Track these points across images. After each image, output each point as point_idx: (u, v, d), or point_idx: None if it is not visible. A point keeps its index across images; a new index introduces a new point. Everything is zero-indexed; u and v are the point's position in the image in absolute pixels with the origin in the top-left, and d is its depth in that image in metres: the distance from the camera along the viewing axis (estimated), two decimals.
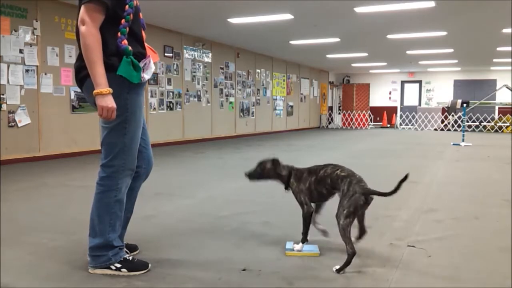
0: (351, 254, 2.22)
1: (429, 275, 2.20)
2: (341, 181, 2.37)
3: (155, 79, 9.04)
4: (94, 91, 2.02)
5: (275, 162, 2.60)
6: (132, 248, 2.49)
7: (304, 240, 2.49)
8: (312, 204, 2.53)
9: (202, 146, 9.43)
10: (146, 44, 2.31)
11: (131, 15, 2.14)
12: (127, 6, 2.12)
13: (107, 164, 2.16)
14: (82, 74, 2.14)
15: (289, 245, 2.56)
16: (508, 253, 2.52)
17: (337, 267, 2.23)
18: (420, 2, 6.95)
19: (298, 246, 2.50)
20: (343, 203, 2.30)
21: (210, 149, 8.88)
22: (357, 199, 2.30)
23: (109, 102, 2.03)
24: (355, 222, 2.39)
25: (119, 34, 2.10)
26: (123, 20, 2.11)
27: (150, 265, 2.25)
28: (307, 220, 2.47)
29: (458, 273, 2.24)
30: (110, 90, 2.03)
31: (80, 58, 2.13)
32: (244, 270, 2.24)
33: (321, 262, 2.37)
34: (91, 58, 2.01)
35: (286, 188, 2.59)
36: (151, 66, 2.25)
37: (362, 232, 2.50)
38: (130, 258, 2.25)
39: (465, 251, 2.60)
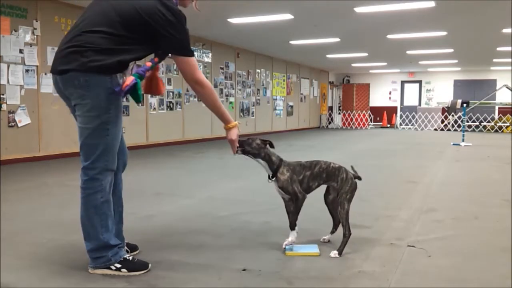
0: (349, 236, 2.49)
1: (429, 275, 2.20)
2: (338, 172, 2.56)
3: None
4: (227, 126, 2.41)
5: (267, 141, 2.56)
6: (132, 248, 2.49)
7: (294, 226, 2.50)
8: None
9: (202, 146, 9.43)
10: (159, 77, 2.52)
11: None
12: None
13: (89, 166, 2.13)
14: (70, 66, 2.07)
15: (289, 245, 2.56)
16: (508, 253, 2.52)
17: (335, 251, 2.45)
18: (420, 2, 6.95)
19: (292, 237, 2.49)
20: (345, 189, 2.52)
21: (210, 149, 8.88)
22: (355, 184, 2.57)
23: (235, 134, 2.45)
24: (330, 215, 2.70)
25: (148, 63, 2.26)
26: (156, 58, 2.28)
27: (150, 265, 2.25)
28: (300, 207, 2.50)
29: (458, 273, 2.24)
30: (237, 123, 2.44)
31: (75, 44, 2.07)
32: (244, 270, 2.24)
33: (321, 262, 2.37)
34: (218, 105, 2.35)
35: (273, 176, 2.50)
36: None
37: (337, 222, 2.70)
38: (130, 258, 2.24)
39: (465, 251, 2.60)
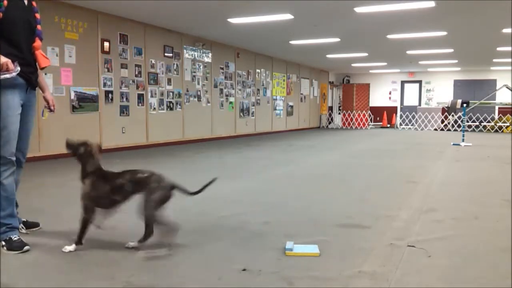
0: (149, 234, 2.55)
1: (429, 275, 2.20)
2: (148, 181, 2.52)
3: (155, 79, 9.04)
4: None
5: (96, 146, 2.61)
6: (32, 225, 2.93)
7: (79, 242, 2.51)
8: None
9: (202, 146, 9.43)
10: (39, 51, 2.71)
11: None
12: None
13: None
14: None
15: (289, 245, 2.56)
16: (508, 253, 2.52)
17: (131, 243, 2.55)
18: (420, 2, 6.95)
19: (70, 247, 2.50)
20: (154, 197, 2.47)
21: (210, 149, 8.88)
22: (168, 195, 2.53)
23: None
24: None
25: None
26: None
27: (26, 247, 2.50)
28: (84, 225, 2.51)
29: (458, 273, 2.24)
30: None
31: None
32: (244, 270, 2.24)
33: (321, 262, 2.37)
34: None
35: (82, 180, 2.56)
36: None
37: (148, 233, 2.58)
38: (15, 238, 2.55)
39: (465, 251, 2.60)
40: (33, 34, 2.68)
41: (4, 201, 2.59)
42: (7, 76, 2.46)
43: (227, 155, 7.75)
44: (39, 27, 2.71)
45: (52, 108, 3.04)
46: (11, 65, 2.46)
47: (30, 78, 2.70)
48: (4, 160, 2.59)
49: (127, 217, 2.89)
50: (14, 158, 2.66)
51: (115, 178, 2.55)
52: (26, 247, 2.52)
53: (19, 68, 2.51)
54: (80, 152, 2.57)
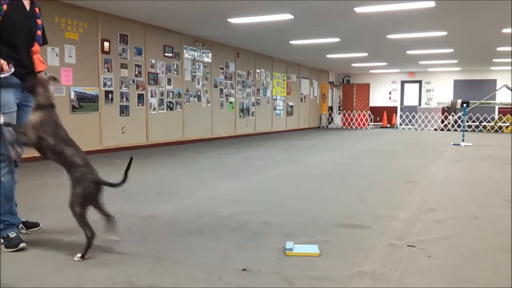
0: (92, 237, 2.39)
1: (429, 275, 2.20)
2: (73, 169, 2.51)
3: (155, 79, 9.04)
4: None
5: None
6: (32, 225, 2.94)
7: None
8: None
9: (202, 146, 9.43)
10: (37, 56, 2.77)
11: None
12: None
13: None
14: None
15: (289, 245, 2.56)
16: (508, 253, 2.52)
17: (79, 255, 2.36)
18: (420, 2, 6.95)
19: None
20: (76, 191, 2.45)
21: (210, 149, 8.88)
22: (91, 189, 2.46)
23: None
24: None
25: None
26: None
27: (21, 245, 2.52)
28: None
29: (458, 273, 2.24)
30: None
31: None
32: (244, 270, 2.24)
33: (321, 262, 2.37)
34: None
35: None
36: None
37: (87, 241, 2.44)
38: (12, 235, 2.57)
39: (465, 251, 2.60)
40: (33, 39, 2.77)
41: (2, 198, 2.63)
42: (0, 76, 2.55)
43: (227, 155, 7.75)
44: (39, 32, 2.80)
45: None
46: (5, 66, 2.56)
47: (25, 79, 2.75)
48: (2, 157, 2.63)
49: (127, 217, 2.90)
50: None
51: (60, 141, 2.52)
52: (22, 244, 2.54)
53: (13, 69, 2.61)
54: (34, 83, 2.59)
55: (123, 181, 2.48)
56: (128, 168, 2.45)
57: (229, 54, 11.80)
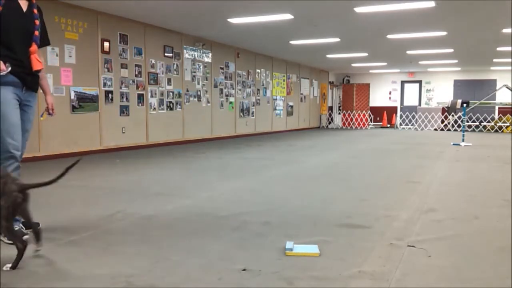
0: (23, 248, 2.24)
1: (429, 275, 2.20)
2: None
3: (155, 79, 9.04)
4: None
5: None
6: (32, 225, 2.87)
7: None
8: None
9: (202, 146, 9.43)
10: (34, 55, 2.83)
11: None
12: None
13: None
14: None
15: (289, 245, 2.56)
16: (508, 253, 2.52)
17: (8, 265, 2.21)
18: (420, 2, 6.95)
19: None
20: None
21: (210, 149, 8.88)
22: (15, 198, 2.32)
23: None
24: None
25: None
26: None
27: (25, 237, 2.46)
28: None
29: (458, 273, 2.24)
30: None
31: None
32: (244, 270, 2.24)
33: (321, 262, 2.37)
34: None
35: None
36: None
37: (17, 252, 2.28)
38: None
39: (465, 251, 2.60)
40: (30, 39, 2.83)
41: None
42: None
43: (227, 155, 7.75)
44: (36, 33, 2.86)
45: (51, 112, 3.19)
46: (2, 66, 2.62)
47: (24, 78, 2.83)
48: (6, 155, 2.66)
49: (127, 217, 2.89)
50: (17, 153, 2.72)
51: None
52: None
53: (10, 68, 2.68)
54: None
55: (59, 177, 2.35)
56: (71, 166, 2.37)
57: (229, 54, 11.80)
